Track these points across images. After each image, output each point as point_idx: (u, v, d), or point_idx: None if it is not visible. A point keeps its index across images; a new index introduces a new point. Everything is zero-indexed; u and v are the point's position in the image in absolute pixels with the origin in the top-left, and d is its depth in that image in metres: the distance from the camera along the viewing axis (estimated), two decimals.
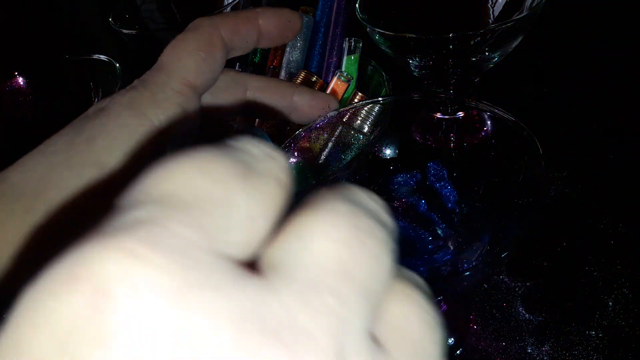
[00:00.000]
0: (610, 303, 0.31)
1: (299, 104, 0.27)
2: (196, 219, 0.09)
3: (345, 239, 0.10)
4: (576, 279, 0.33)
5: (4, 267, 0.19)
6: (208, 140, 0.11)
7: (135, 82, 0.23)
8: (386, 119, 0.31)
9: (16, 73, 0.44)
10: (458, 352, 0.31)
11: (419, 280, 0.12)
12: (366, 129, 0.32)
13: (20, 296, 0.09)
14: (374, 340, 0.10)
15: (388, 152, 0.31)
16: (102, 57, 0.43)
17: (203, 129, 0.24)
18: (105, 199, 0.19)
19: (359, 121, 0.32)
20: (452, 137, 0.38)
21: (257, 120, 0.41)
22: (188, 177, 0.10)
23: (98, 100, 0.41)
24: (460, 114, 0.37)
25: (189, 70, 0.23)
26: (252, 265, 0.10)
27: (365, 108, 0.32)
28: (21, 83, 0.44)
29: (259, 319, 0.08)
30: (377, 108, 0.32)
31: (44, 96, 0.44)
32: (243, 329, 0.08)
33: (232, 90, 0.26)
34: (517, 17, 0.34)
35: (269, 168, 0.11)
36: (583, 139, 0.42)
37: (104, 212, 0.10)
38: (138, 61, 0.48)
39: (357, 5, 0.38)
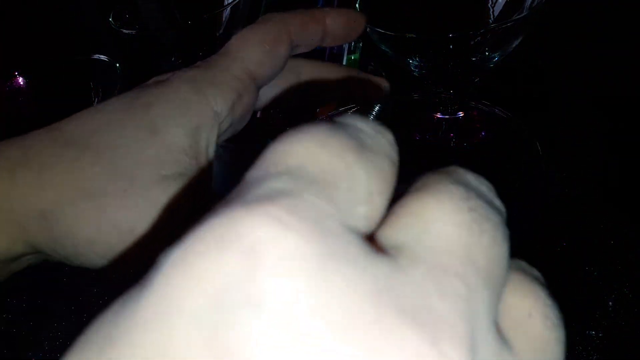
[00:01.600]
0: (610, 303, 0.31)
1: (352, 88, 0.28)
2: (325, 190, 0.09)
3: (465, 223, 0.10)
4: (576, 279, 0.33)
5: (50, 210, 0.19)
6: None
7: (199, 62, 0.23)
8: (386, 119, 0.31)
9: (16, 73, 0.44)
10: None
11: (536, 273, 0.12)
12: None
13: (163, 257, 0.09)
14: (499, 332, 0.10)
15: None
16: (102, 57, 0.43)
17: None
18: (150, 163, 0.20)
19: None
20: (452, 137, 0.38)
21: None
22: (310, 151, 0.10)
23: (98, 101, 0.41)
24: (460, 114, 0.37)
25: (252, 60, 0.23)
26: (372, 243, 0.10)
27: (365, 108, 0.32)
28: (21, 83, 0.44)
29: (396, 297, 0.08)
30: (377, 108, 0.32)
31: (44, 96, 0.44)
32: (382, 304, 0.08)
33: (286, 76, 0.27)
34: (517, 17, 0.34)
35: (380, 144, 0.11)
36: (583, 139, 0.42)
37: (236, 186, 0.10)
38: (138, 61, 0.48)
39: (357, 5, 0.38)
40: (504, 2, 0.39)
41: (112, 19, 0.45)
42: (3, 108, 0.43)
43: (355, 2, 0.38)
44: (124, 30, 0.43)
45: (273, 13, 0.25)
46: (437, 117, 0.37)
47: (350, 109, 0.30)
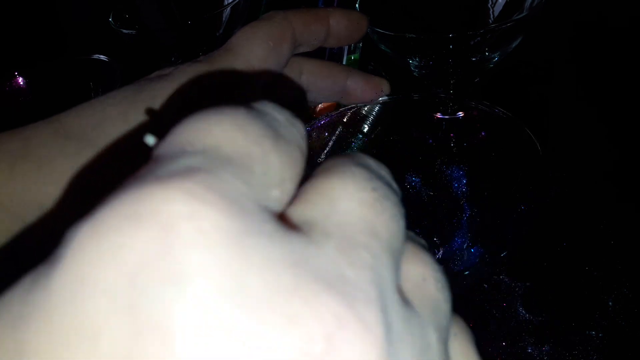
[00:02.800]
0: (610, 303, 0.31)
1: (352, 87, 0.28)
2: (242, 172, 0.10)
3: (368, 201, 0.11)
4: (576, 279, 0.33)
5: (51, 203, 0.19)
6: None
7: (201, 57, 0.23)
8: (386, 119, 0.31)
9: (16, 73, 0.44)
10: None
11: (423, 241, 0.13)
12: (366, 129, 0.32)
13: (72, 232, 0.09)
14: (402, 294, 0.11)
15: (388, 152, 0.31)
16: (102, 57, 0.43)
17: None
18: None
19: (359, 121, 0.32)
20: (452, 137, 0.38)
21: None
22: (228, 133, 0.10)
23: None
24: (460, 114, 0.37)
25: (255, 56, 0.23)
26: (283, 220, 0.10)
27: (365, 108, 0.32)
28: (21, 83, 0.44)
29: (312, 269, 0.09)
30: (377, 108, 0.32)
31: (44, 96, 0.44)
32: (299, 275, 0.09)
33: (288, 74, 0.27)
34: (517, 17, 0.34)
35: (292, 134, 0.11)
36: (583, 139, 0.42)
37: (145, 161, 0.10)
38: (138, 61, 0.48)
39: (357, 5, 0.38)
40: (504, 2, 0.39)
41: (112, 19, 0.45)
42: (3, 108, 0.43)
43: (356, 2, 0.38)
44: (124, 30, 0.43)
45: (277, 11, 0.25)
46: (437, 117, 0.37)
47: (350, 108, 0.30)
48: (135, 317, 0.08)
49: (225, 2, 0.46)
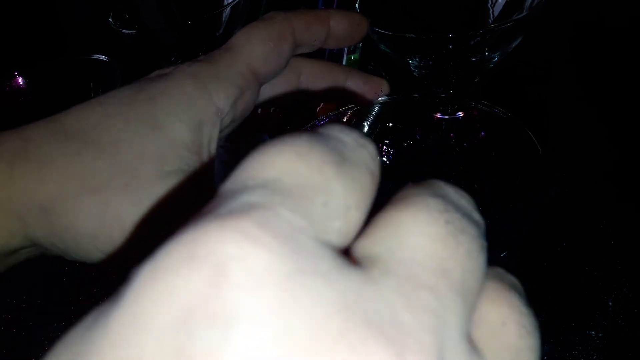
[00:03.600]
0: (610, 303, 0.31)
1: (351, 88, 0.28)
2: (300, 205, 0.09)
3: (440, 236, 0.10)
4: (576, 279, 0.33)
5: (50, 203, 0.19)
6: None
7: (202, 57, 0.23)
8: (386, 119, 0.31)
9: (16, 73, 0.44)
10: None
11: (513, 280, 0.12)
12: (366, 129, 0.32)
13: (136, 272, 0.09)
14: (471, 342, 0.10)
15: (388, 152, 0.31)
16: (102, 57, 0.43)
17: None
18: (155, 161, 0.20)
19: (358, 121, 0.32)
20: (452, 137, 0.38)
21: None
22: (289, 163, 0.10)
23: None
24: (460, 114, 0.37)
25: (255, 56, 0.23)
26: (346, 255, 0.10)
27: (365, 108, 0.32)
28: (21, 83, 0.44)
29: (364, 311, 0.08)
30: (377, 108, 0.32)
31: (44, 96, 0.44)
32: (349, 319, 0.08)
33: (286, 75, 0.27)
34: (517, 17, 0.34)
35: (361, 157, 0.11)
36: (583, 139, 0.42)
37: (212, 197, 0.10)
38: (138, 61, 0.48)
39: (357, 5, 0.38)
40: (504, 2, 0.39)
41: (112, 19, 0.45)
42: (3, 108, 0.43)
43: (355, 1, 0.38)
44: (124, 30, 0.43)
45: (277, 12, 0.25)
46: (437, 117, 0.37)
47: (350, 109, 0.30)
48: (181, 358, 0.08)
49: (225, 2, 0.46)
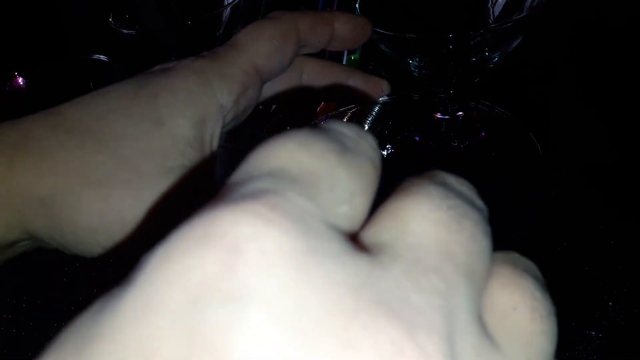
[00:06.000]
0: (610, 303, 0.31)
1: (352, 87, 0.28)
2: (307, 190, 0.10)
3: (443, 221, 0.10)
4: (576, 279, 0.33)
5: (50, 197, 0.19)
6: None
7: (206, 52, 0.23)
8: (386, 118, 0.31)
9: (16, 73, 0.44)
10: None
11: (529, 264, 0.12)
12: (366, 128, 0.32)
13: (146, 257, 0.09)
14: (481, 325, 0.10)
15: (388, 152, 0.31)
16: (102, 57, 0.43)
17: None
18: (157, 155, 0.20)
19: (358, 121, 0.32)
20: (452, 137, 0.38)
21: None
22: (292, 154, 0.10)
23: None
24: (460, 114, 0.37)
25: (259, 54, 0.23)
26: (354, 241, 0.10)
27: (365, 108, 0.32)
28: (21, 83, 0.44)
29: (374, 292, 0.09)
30: (377, 108, 0.32)
31: (44, 96, 0.44)
32: (360, 298, 0.08)
33: (288, 73, 0.27)
34: (517, 17, 0.34)
35: (361, 147, 0.11)
36: (583, 139, 0.42)
37: (214, 193, 0.10)
38: (138, 61, 0.48)
39: (357, 6, 0.38)
40: (504, 2, 0.39)
41: (112, 19, 0.45)
42: (3, 108, 0.43)
43: (356, 1, 0.38)
44: (124, 30, 0.43)
45: (282, 11, 0.25)
46: (437, 117, 0.37)
47: (350, 108, 0.30)
48: (192, 337, 0.08)
49: (225, 2, 0.46)
